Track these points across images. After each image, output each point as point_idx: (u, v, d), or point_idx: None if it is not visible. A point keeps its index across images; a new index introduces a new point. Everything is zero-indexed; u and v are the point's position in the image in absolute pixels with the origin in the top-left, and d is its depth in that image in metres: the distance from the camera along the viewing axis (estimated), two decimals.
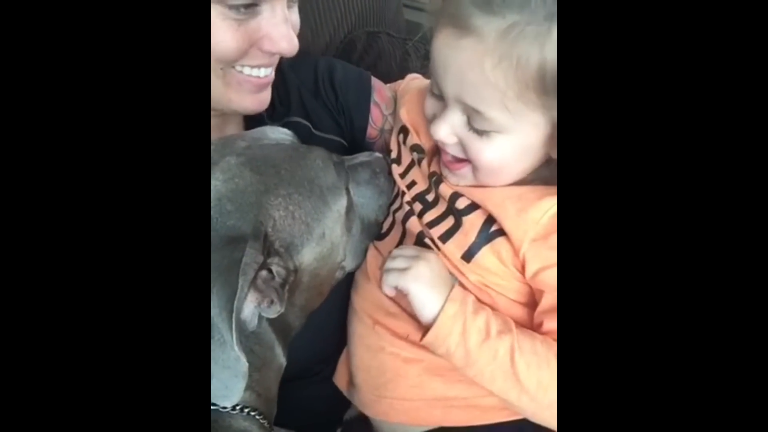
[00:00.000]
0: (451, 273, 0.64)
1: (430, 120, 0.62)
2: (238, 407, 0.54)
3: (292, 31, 0.71)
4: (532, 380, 0.58)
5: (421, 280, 0.62)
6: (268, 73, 0.73)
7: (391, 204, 0.73)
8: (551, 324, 0.60)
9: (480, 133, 0.58)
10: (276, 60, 0.73)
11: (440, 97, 0.60)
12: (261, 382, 0.57)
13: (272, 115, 0.80)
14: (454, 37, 0.54)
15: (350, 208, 0.65)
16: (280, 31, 0.68)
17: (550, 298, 0.60)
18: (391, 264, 0.65)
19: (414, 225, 0.68)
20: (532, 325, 0.63)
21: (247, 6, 0.66)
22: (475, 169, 0.61)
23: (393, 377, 0.68)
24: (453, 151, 0.61)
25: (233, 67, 0.70)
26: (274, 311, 0.53)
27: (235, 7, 0.65)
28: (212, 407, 0.52)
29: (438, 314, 0.61)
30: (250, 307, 0.52)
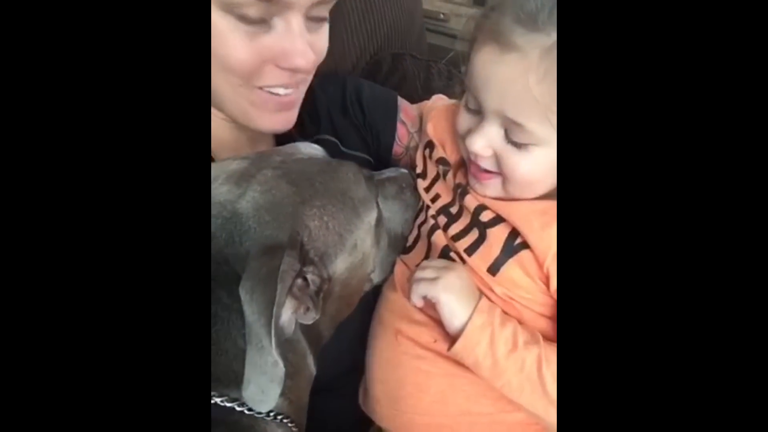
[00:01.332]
0: (477, 286, 0.65)
1: (463, 134, 0.64)
2: (272, 413, 0.55)
3: (309, 48, 0.69)
4: None
5: (450, 290, 0.63)
6: (289, 92, 0.73)
7: (416, 218, 0.74)
8: None
9: (518, 145, 0.59)
10: (299, 79, 0.73)
11: (476, 112, 0.62)
12: (294, 390, 0.58)
13: (302, 132, 0.82)
14: (497, 52, 0.56)
15: (380, 220, 0.66)
16: (295, 46, 0.67)
17: None
18: (420, 274, 0.66)
19: (439, 238, 0.69)
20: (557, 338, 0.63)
21: (260, 21, 0.65)
22: (506, 181, 0.63)
23: (414, 391, 0.68)
24: (486, 164, 0.63)
25: (257, 86, 0.71)
26: (310, 318, 0.54)
27: (245, 19, 0.64)
28: (248, 412, 0.53)
29: (466, 324, 0.61)
30: (287, 314, 0.53)
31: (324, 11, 0.72)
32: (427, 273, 0.65)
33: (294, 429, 0.59)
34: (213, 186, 0.58)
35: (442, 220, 0.70)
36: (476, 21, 0.60)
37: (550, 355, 0.60)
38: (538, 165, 0.59)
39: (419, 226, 0.73)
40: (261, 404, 0.52)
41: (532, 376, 0.59)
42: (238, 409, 0.53)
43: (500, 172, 0.62)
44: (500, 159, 0.61)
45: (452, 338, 0.63)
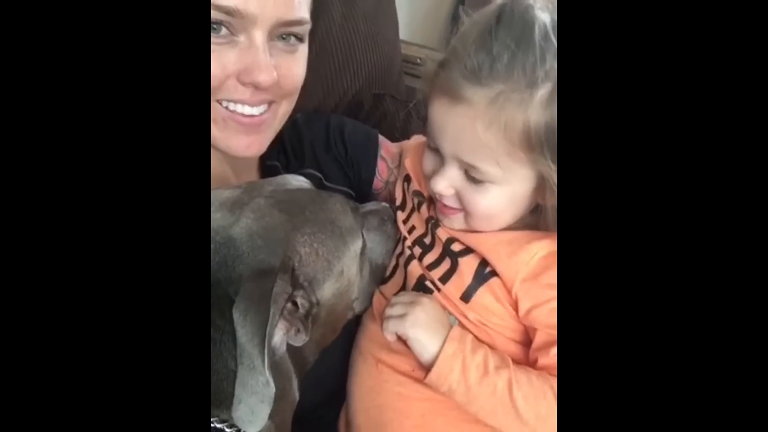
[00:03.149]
0: (450, 313, 0.68)
1: (429, 175, 0.68)
2: None
3: (273, 67, 0.69)
4: (531, 413, 0.62)
5: (418, 325, 0.66)
6: (254, 113, 0.72)
7: (394, 250, 0.77)
8: (545, 360, 0.64)
9: (477, 183, 0.64)
10: (262, 99, 0.72)
11: (438, 152, 0.66)
12: (279, 413, 0.60)
13: (287, 166, 0.85)
14: (449, 104, 0.61)
15: (363, 249, 0.69)
16: (257, 61, 0.67)
17: (542, 336, 0.64)
18: (390, 311, 0.69)
19: (415, 268, 0.72)
20: (528, 362, 0.66)
21: (224, 36, 0.65)
22: (468, 215, 0.67)
23: (395, 416, 0.69)
24: (449, 201, 0.67)
25: (217, 100, 0.70)
26: (300, 340, 0.56)
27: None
28: None
29: (438, 354, 0.65)
30: (279, 335, 0.55)
31: (294, 31, 0.72)
32: (396, 310, 0.69)
33: None
34: None
35: (418, 250, 0.73)
36: (429, 76, 0.65)
37: (520, 377, 0.62)
38: (496, 200, 0.64)
39: (397, 257, 0.76)
40: (250, 425, 0.53)
41: (504, 400, 0.62)
42: (227, 430, 0.54)
43: (463, 208, 0.66)
44: (461, 197, 0.65)
45: (427, 368, 0.66)
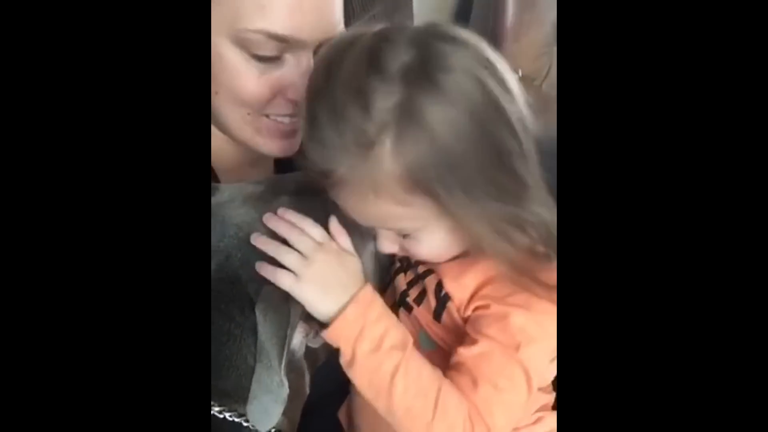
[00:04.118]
0: (427, 335, 0.67)
1: (373, 234, 0.66)
2: (273, 429, 0.58)
3: None
4: (403, 405, 0.59)
5: (312, 285, 0.60)
6: (295, 120, 0.77)
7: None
8: (456, 358, 0.62)
9: (407, 237, 0.63)
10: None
11: None
12: (291, 409, 0.61)
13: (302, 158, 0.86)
14: (334, 187, 0.59)
15: (375, 250, 0.70)
16: (304, 80, 0.69)
17: (470, 338, 0.62)
18: (285, 258, 0.60)
19: (400, 282, 0.71)
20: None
21: (272, 58, 0.70)
22: (419, 258, 0.66)
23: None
24: (401, 253, 0.66)
25: (263, 115, 0.75)
26: (318, 342, 0.57)
27: (259, 58, 0.69)
28: (253, 428, 0.56)
29: (337, 314, 0.59)
30: (298, 338, 0.56)
31: None
32: (291, 261, 0.60)
33: None
34: (230, 207, 0.61)
35: (404, 265, 0.72)
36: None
37: (411, 367, 0.59)
38: (434, 243, 0.62)
39: (389, 267, 0.76)
40: (263, 423, 0.54)
41: (383, 382, 0.59)
42: (245, 424, 0.56)
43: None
44: (405, 249, 0.65)
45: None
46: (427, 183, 0.56)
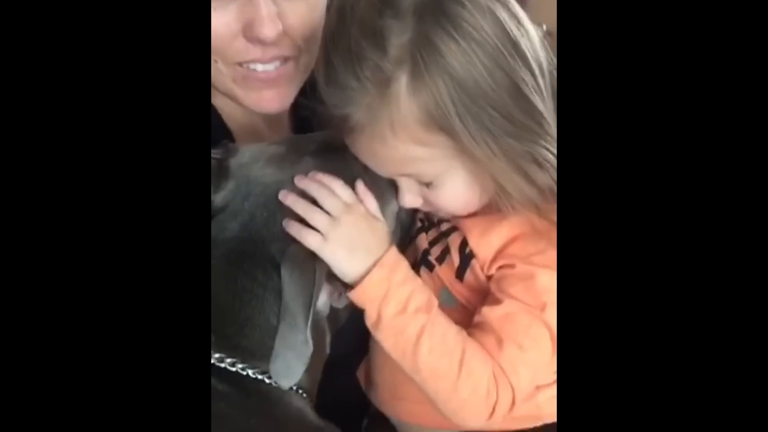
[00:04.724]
0: (450, 292, 0.67)
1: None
2: (294, 386, 0.59)
3: (276, 17, 0.66)
4: (429, 366, 0.59)
5: (340, 247, 0.59)
6: (269, 68, 0.71)
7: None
8: (479, 317, 0.62)
9: (429, 184, 0.62)
10: (274, 54, 0.70)
11: None
12: (313, 367, 0.62)
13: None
14: (348, 137, 0.60)
15: (396, 209, 0.70)
16: (258, 14, 0.65)
17: (493, 296, 0.63)
18: (315, 219, 0.59)
19: (421, 241, 0.71)
20: None
21: None
22: (442, 210, 0.66)
23: (408, 378, 0.68)
24: (424, 207, 0.66)
25: (235, 63, 0.70)
26: (342, 302, 0.58)
27: None
28: (276, 384, 0.57)
29: (364, 275, 0.60)
30: (322, 299, 0.56)
31: None
32: (319, 221, 0.59)
33: (309, 402, 0.62)
34: (255, 167, 0.61)
35: (426, 223, 0.72)
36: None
37: (435, 329, 0.60)
38: (456, 190, 0.62)
39: (410, 226, 0.75)
40: (285, 379, 0.55)
41: (408, 344, 0.59)
42: (267, 381, 0.57)
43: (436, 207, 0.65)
44: (427, 200, 0.64)
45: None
46: (444, 119, 0.55)
